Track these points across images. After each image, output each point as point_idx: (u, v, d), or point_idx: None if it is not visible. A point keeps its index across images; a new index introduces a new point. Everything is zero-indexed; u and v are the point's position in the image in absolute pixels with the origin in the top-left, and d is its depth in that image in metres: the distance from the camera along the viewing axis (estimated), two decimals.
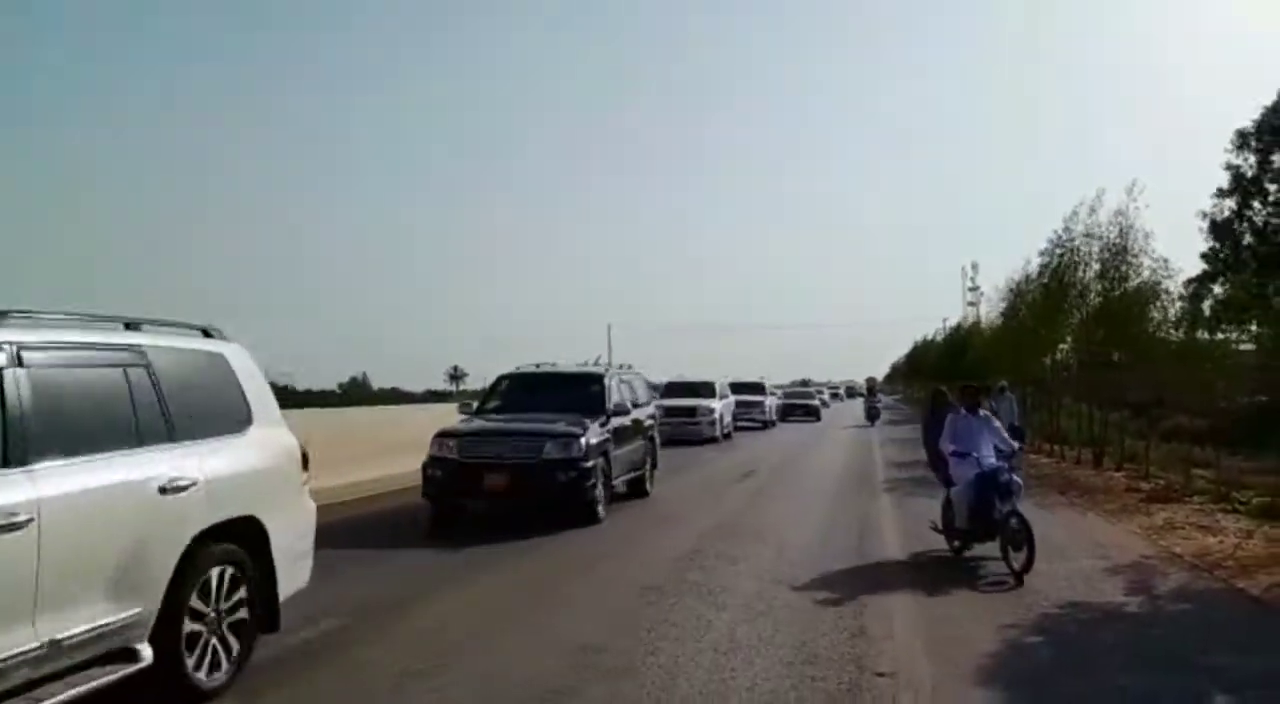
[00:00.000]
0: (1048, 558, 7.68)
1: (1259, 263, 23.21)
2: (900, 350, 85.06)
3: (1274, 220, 23.47)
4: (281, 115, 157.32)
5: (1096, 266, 18.07)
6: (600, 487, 10.51)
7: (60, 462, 3.83)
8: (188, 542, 4.37)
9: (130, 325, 4.66)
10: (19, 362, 3.80)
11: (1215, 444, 14.06)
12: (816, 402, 43.81)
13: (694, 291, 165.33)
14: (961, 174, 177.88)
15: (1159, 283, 17.14)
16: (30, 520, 3.58)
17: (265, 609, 4.97)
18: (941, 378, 29.98)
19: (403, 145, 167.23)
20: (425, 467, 10.38)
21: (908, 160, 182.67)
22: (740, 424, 29.44)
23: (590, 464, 10.27)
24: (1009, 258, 50.14)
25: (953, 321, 54.06)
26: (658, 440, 14.14)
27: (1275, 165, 23.27)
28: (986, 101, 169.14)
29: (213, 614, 4.56)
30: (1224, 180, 23.95)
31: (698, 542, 9.20)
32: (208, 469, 4.59)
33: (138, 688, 4.13)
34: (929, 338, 60.63)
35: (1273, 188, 23.34)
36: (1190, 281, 18.26)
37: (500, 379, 12.85)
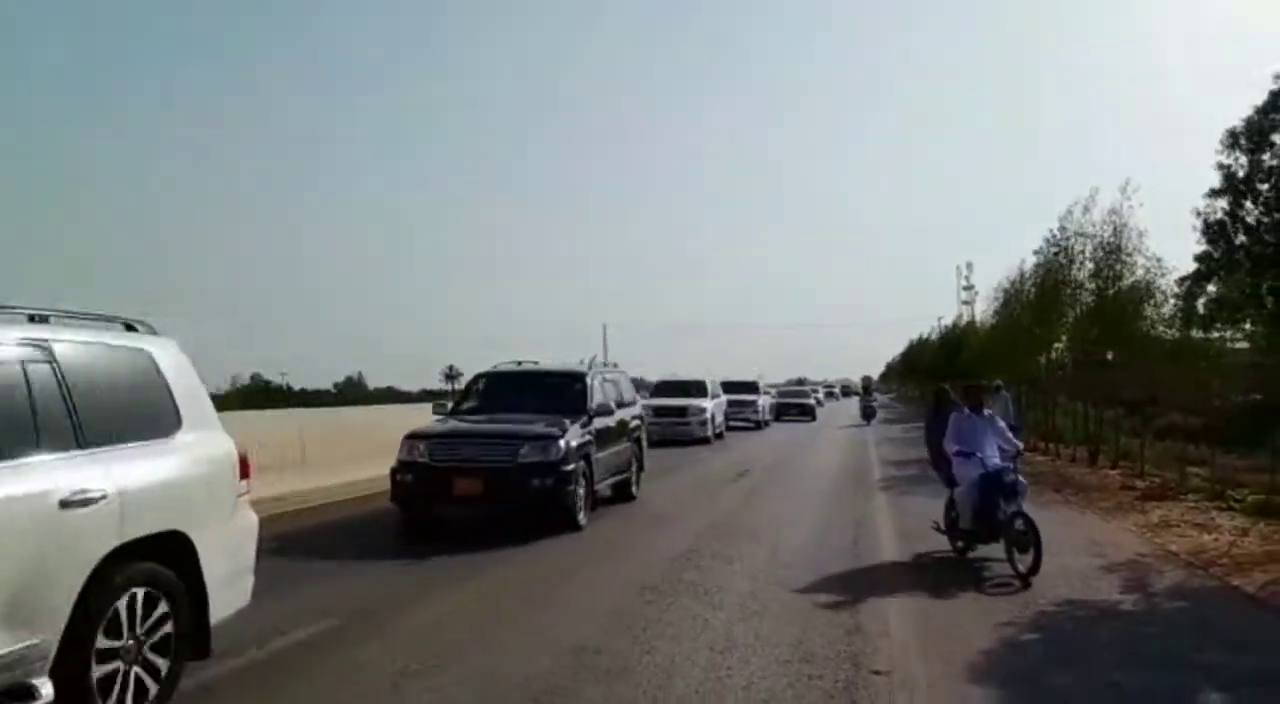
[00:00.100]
0: (1044, 555, 7.68)
1: (1252, 262, 23.26)
2: (896, 349, 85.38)
3: (1265, 220, 23.53)
4: (281, 115, 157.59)
5: (1090, 266, 18.15)
6: (581, 491, 9.97)
7: None
8: (96, 562, 3.87)
9: (37, 317, 4.24)
10: None
11: (1210, 442, 14.10)
12: (811, 401, 43.69)
13: (693, 291, 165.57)
14: (961, 174, 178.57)
15: (1153, 281, 17.23)
16: None
17: (195, 634, 4.46)
18: (937, 377, 29.99)
19: (402, 145, 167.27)
20: (394, 471, 9.87)
21: (908, 160, 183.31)
22: (733, 424, 29.28)
23: (570, 468, 9.72)
24: (1008, 257, 50.22)
25: (948, 321, 54.25)
26: (645, 442, 13.70)
27: (1266, 165, 23.32)
28: (986, 101, 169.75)
29: (130, 642, 4.05)
30: (1216, 180, 24.02)
31: (689, 544, 9.12)
32: (122, 479, 4.06)
33: None
34: (924, 337, 60.80)
35: (1264, 187, 23.39)
36: (1183, 279, 18.30)
37: (477, 378, 12.30)
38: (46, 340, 4.08)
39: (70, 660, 3.75)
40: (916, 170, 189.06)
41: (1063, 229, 18.94)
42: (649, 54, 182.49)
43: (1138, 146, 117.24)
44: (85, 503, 3.87)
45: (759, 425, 31.95)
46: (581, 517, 9.93)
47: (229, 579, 4.72)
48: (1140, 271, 17.36)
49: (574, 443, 9.98)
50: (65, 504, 3.79)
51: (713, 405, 25.50)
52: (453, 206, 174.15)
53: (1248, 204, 23.69)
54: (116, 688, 3.97)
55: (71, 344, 4.22)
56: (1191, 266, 23.72)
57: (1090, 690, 4.82)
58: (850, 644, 5.53)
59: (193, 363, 5.04)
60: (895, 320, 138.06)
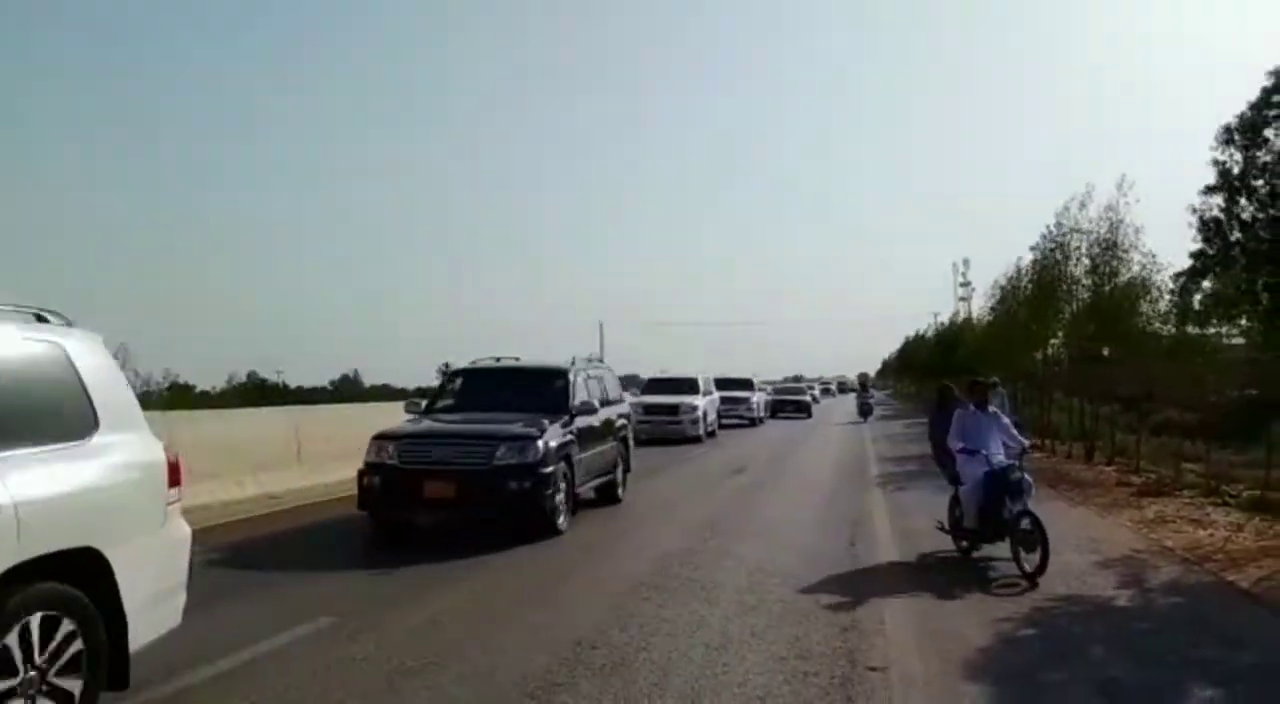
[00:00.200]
0: None
1: (1247, 258, 23.29)
2: (892, 346, 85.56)
3: (1260, 216, 23.55)
4: (281, 115, 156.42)
5: (1087, 262, 18.17)
6: (561, 495, 9.41)
7: None
8: None
9: None
10: None
11: (1205, 438, 14.13)
12: (807, 398, 43.67)
13: (692, 291, 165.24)
14: (960, 173, 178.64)
15: (1149, 278, 17.27)
16: None
17: (111, 662, 3.90)
18: (933, 373, 30.07)
19: (401, 143, 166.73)
20: (361, 474, 9.26)
21: (908, 160, 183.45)
22: (726, 422, 29.00)
23: (549, 470, 9.15)
24: (1007, 255, 50.40)
25: (944, 317, 54.35)
26: (631, 442, 13.10)
27: (1260, 161, 23.34)
28: (986, 101, 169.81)
29: (32, 673, 3.52)
30: (1211, 176, 24.03)
31: (674, 547, 9.04)
32: (20, 489, 3.52)
33: None
34: (921, 333, 60.94)
35: (1259, 183, 23.41)
36: (1179, 275, 18.31)
37: (453, 375, 11.62)
38: None
39: None
40: (916, 170, 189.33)
41: (1059, 225, 18.99)
42: (649, 53, 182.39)
43: (1137, 146, 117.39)
44: None
45: (753, 423, 31.84)
46: (561, 521, 9.45)
47: (154, 600, 4.18)
48: (1136, 268, 17.42)
49: (554, 444, 9.45)
50: None
51: (705, 403, 25.01)
52: (451, 204, 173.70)
53: (1243, 200, 23.70)
54: None
55: None
56: (1187, 263, 23.76)
57: (1087, 686, 4.82)
58: (846, 641, 5.53)
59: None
60: (892, 317, 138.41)
